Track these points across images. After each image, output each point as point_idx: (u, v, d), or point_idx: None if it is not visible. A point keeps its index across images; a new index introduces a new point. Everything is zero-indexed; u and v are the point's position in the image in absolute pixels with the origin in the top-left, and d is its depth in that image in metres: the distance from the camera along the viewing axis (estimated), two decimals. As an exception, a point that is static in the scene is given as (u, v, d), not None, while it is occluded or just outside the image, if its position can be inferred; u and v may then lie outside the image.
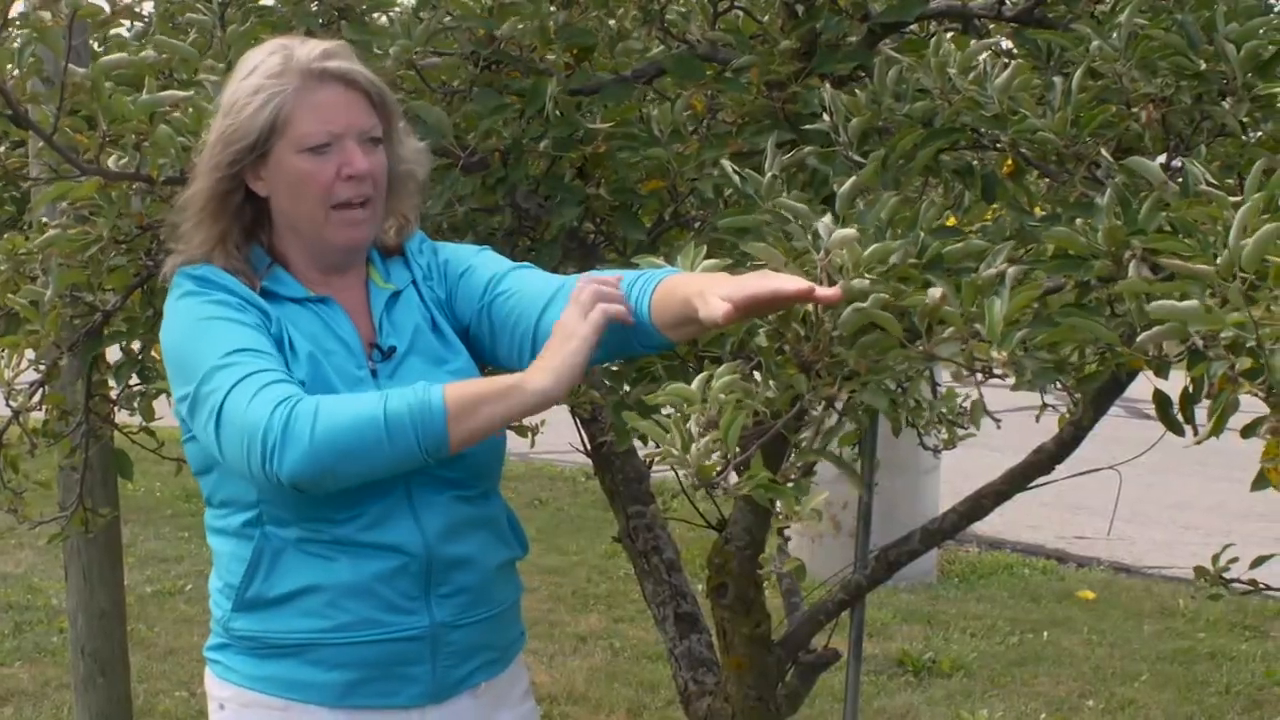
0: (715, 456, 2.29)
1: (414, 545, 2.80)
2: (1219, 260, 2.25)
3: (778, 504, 2.37)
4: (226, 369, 2.64)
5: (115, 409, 4.18)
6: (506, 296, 2.86)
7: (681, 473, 2.33)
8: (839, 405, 2.60)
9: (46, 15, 3.14)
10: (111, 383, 4.07)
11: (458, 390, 2.60)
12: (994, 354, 2.36)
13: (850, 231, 2.42)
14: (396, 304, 2.91)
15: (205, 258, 2.81)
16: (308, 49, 2.76)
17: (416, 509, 2.81)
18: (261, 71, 2.75)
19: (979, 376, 2.45)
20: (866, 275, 2.41)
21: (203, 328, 2.71)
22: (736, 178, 2.94)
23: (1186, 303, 2.22)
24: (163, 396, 4.05)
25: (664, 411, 2.41)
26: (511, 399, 2.60)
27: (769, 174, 2.87)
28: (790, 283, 2.38)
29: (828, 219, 2.52)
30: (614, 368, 3.55)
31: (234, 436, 2.61)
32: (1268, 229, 2.18)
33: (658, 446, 2.33)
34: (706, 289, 2.47)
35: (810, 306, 2.45)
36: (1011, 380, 2.46)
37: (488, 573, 2.91)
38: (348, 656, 2.80)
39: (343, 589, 2.78)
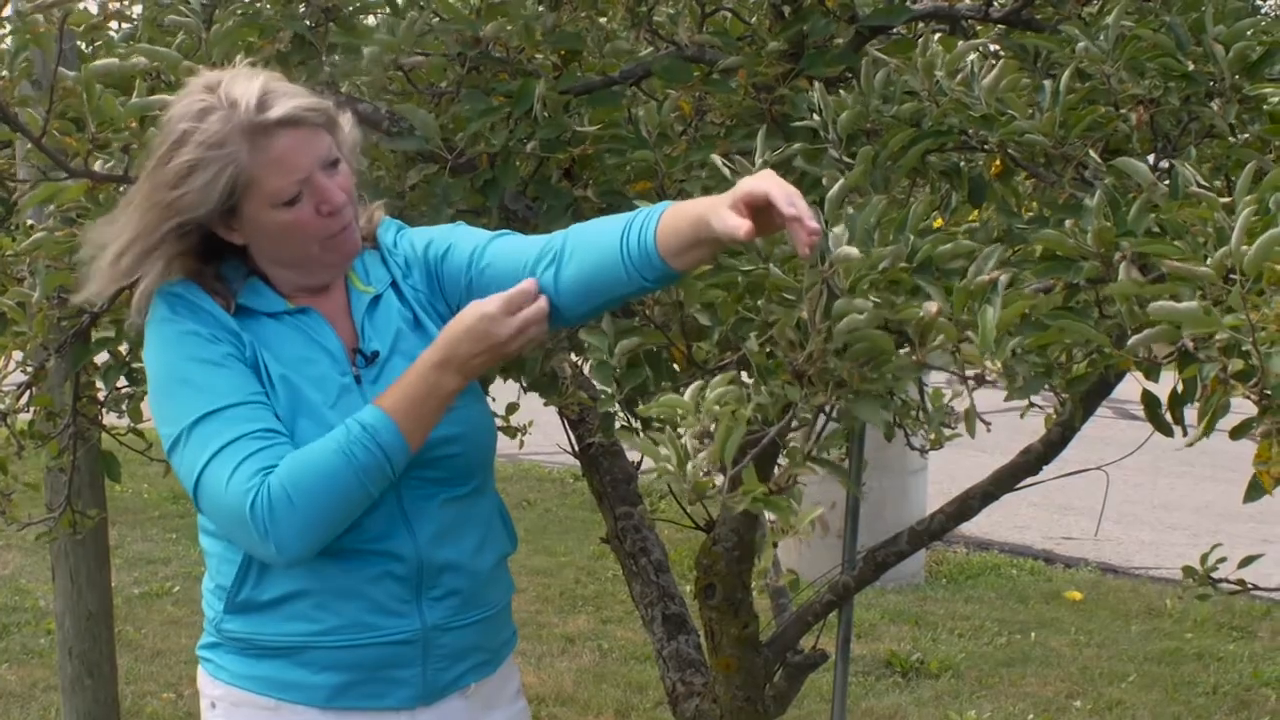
0: (706, 468, 2.28)
1: (406, 550, 2.80)
2: (1209, 262, 2.26)
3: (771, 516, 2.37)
4: (202, 434, 2.67)
5: (103, 411, 4.18)
6: (488, 269, 2.85)
7: (676, 487, 2.33)
8: (831, 412, 2.60)
9: (40, 19, 3.14)
10: (99, 384, 4.07)
11: (403, 413, 2.67)
12: (987, 362, 2.36)
13: (853, 250, 2.41)
14: (377, 307, 2.90)
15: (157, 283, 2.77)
16: (241, 98, 2.67)
17: (408, 514, 2.81)
18: (202, 138, 2.66)
19: (971, 384, 2.45)
20: (871, 297, 2.40)
21: (180, 371, 2.71)
22: (726, 172, 2.94)
23: (1185, 304, 2.22)
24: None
25: (656, 422, 2.40)
26: (439, 387, 2.68)
27: (760, 161, 2.87)
28: (777, 192, 2.41)
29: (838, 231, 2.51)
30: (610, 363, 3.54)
31: (219, 516, 2.72)
32: (1271, 234, 2.18)
33: (653, 463, 2.33)
34: (716, 204, 2.49)
35: (804, 314, 2.44)
36: (1003, 385, 2.46)
37: (480, 575, 2.92)
38: (338, 659, 2.81)
39: (332, 592, 2.78)
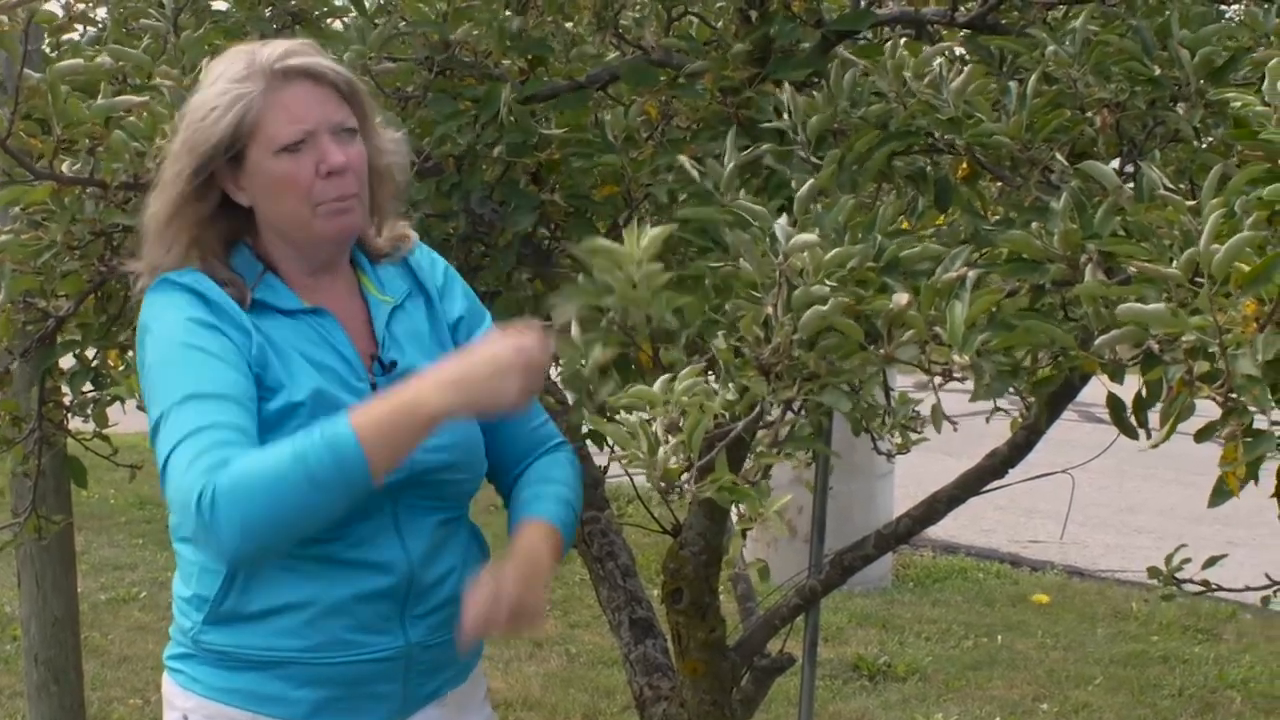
0: (677, 459, 2.29)
1: (398, 566, 2.79)
2: (1176, 264, 2.27)
3: (739, 507, 2.37)
4: (179, 417, 2.60)
5: (68, 416, 4.16)
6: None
7: (645, 476, 2.33)
8: (797, 407, 2.61)
9: (4, 20, 3.13)
10: (65, 389, 4.06)
11: (370, 428, 2.55)
12: (955, 357, 2.37)
13: (811, 236, 2.43)
14: (398, 317, 2.89)
15: (176, 268, 2.75)
16: (270, 50, 2.72)
17: (402, 530, 2.80)
18: (225, 77, 2.70)
19: (938, 380, 2.46)
20: (827, 281, 2.42)
21: (174, 355, 2.66)
22: (695, 173, 2.94)
23: (1153, 306, 2.23)
24: (117, 403, 4.05)
25: (624, 414, 2.40)
26: (417, 423, 2.58)
27: (729, 165, 2.87)
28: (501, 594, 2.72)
29: (784, 221, 2.52)
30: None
31: (174, 503, 2.61)
32: (1239, 237, 2.19)
33: (623, 450, 2.33)
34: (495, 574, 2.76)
35: (770, 309, 2.46)
36: (969, 383, 2.46)
37: (461, 593, 2.91)
38: (320, 675, 2.78)
39: (322, 608, 2.75)
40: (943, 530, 9.64)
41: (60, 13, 4.00)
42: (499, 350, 2.58)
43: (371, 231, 2.90)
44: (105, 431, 4.20)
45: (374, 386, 2.79)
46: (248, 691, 2.81)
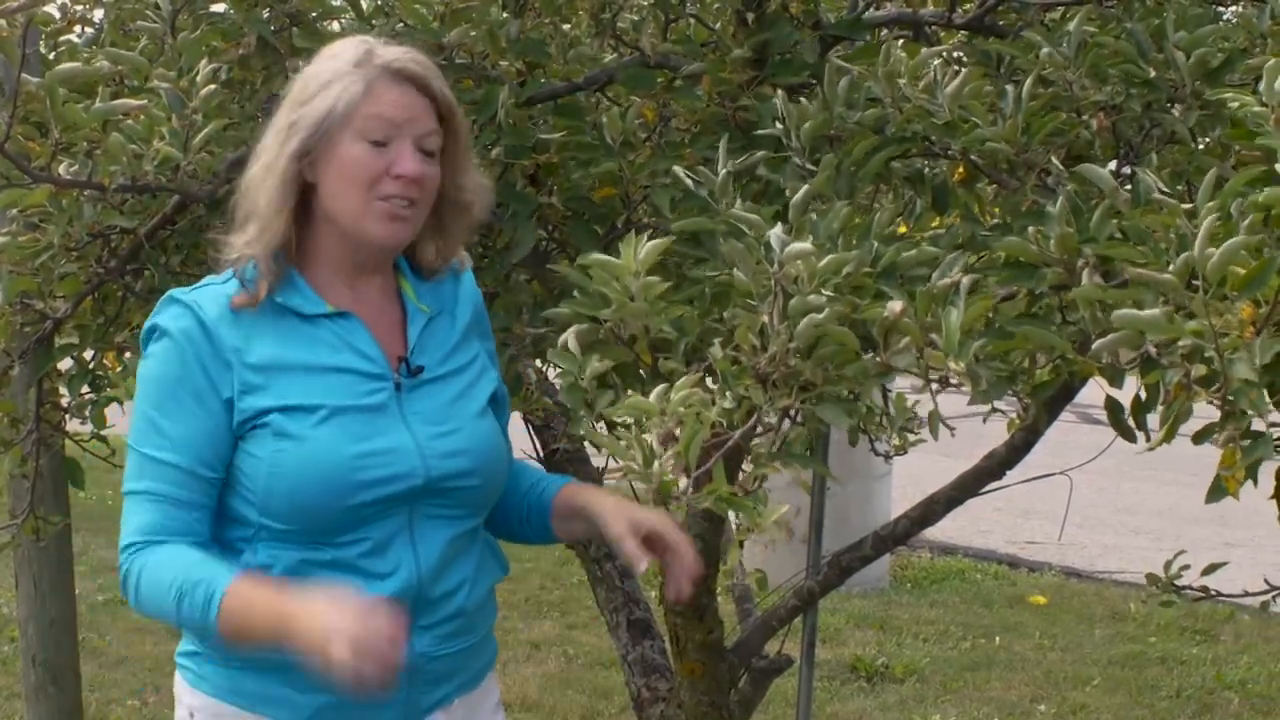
0: (673, 469, 2.29)
1: (409, 576, 2.78)
2: (1172, 268, 2.27)
3: (737, 515, 2.37)
4: (140, 465, 2.78)
5: (66, 417, 4.16)
6: None
7: (641, 488, 2.33)
8: (795, 416, 2.61)
9: (3, 24, 3.13)
10: (63, 391, 4.06)
11: (233, 617, 2.65)
12: (951, 364, 2.37)
13: (805, 245, 2.43)
14: (432, 326, 2.90)
15: (269, 251, 2.77)
16: (390, 49, 2.77)
17: (415, 539, 2.80)
18: (340, 59, 2.75)
19: (935, 387, 2.46)
20: (823, 291, 2.42)
21: (154, 399, 2.78)
22: (689, 182, 2.94)
23: (1148, 311, 2.23)
24: (115, 405, 4.05)
25: (620, 422, 2.41)
26: (274, 640, 2.64)
27: (723, 172, 2.88)
28: (675, 536, 2.73)
29: (779, 229, 2.52)
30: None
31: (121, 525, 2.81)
32: (1234, 241, 2.19)
33: (619, 462, 2.33)
34: (612, 516, 2.77)
35: (765, 317, 2.47)
36: (967, 388, 2.46)
37: (471, 606, 2.91)
38: (326, 680, 2.77)
39: None
40: (940, 531, 9.64)
41: (57, 15, 4.00)
42: (328, 630, 2.53)
43: (430, 249, 2.92)
44: (103, 433, 4.19)
45: (398, 387, 2.81)
46: (253, 693, 2.82)
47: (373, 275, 2.87)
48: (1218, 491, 2.52)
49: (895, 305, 2.40)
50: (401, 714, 2.87)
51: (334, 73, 2.74)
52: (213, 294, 2.78)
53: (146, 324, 2.80)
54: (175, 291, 2.80)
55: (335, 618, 2.52)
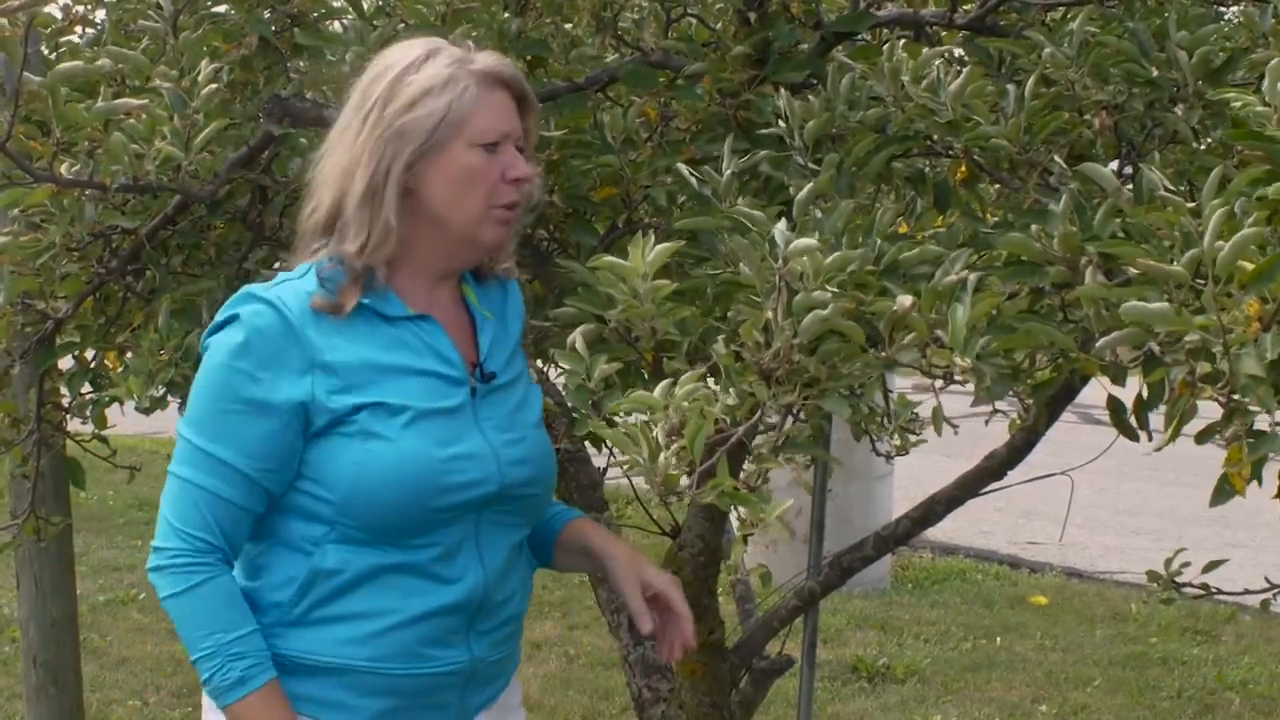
0: (677, 464, 2.29)
1: (476, 581, 2.80)
2: (1178, 264, 2.27)
3: (740, 511, 2.37)
4: (197, 457, 2.74)
5: (67, 417, 4.16)
6: None
7: (646, 481, 2.33)
8: (798, 412, 2.61)
9: (5, 23, 3.13)
10: (63, 390, 4.06)
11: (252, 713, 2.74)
12: (956, 360, 2.37)
13: (810, 241, 2.43)
14: (495, 331, 2.91)
15: (381, 259, 2.76)
16: (481, 55, 2.79)
17: (481, 545, 2.81)
18: (436, 64, 2.74)
19: (939, 383, 2.46)
20: (827, 286, 2.42)
21: (221, 395, 2.73)
22: (693, 180, 2.95)
23: (1156, 305, 2.23)
24: (115, 405, 4.05)
25: (623, 418, 2.41)
26: None
27: (727, 172, 2.88)
28: (680, 604, 2.93)
29: (783, 225, 2.52)
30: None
31: (162, 505, 2.79)
32: (1245, 234, 2.19)
33: (624, 455, 2.33)
34: (624, 567, 2.94)
35: (770, 314, 2.47)
36: (969, 386, 2.46)
37: (522, 611, 2.96)
38: (386, 685, 2.78)
39: (399, 619, 2.76)
40: (941, 532, 9.65)
41: (59, 15, 3.99)
42: None
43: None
44: (104, 433, 4.19)
45: (474, 392, 2.82)
46: (312, 698, 2.79)
47: (448, 279, 2.88)
48: (1223, 494, 2.51)
49: (904, 300, 2.41)
50: (455, 715, 2.89)
51: (436, 78, 2.73)
52: (294, 291, 2.74)
53: (221, 315, 2.77)
54: (253, 288, 2.77)
55: None
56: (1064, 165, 2.92)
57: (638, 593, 2.88)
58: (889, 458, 3.95)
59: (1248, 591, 3.68)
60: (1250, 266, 2.21)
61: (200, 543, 2.71)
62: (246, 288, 2.77)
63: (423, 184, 2.75)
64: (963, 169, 3.20)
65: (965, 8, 3.48)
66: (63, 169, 3.29)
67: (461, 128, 2.72)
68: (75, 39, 4.09)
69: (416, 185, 2.75)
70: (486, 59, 2.78)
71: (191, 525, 2.71)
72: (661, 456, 2.29)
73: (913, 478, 9.76)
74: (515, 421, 2.87)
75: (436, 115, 2.71)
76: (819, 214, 2.69)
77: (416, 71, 2.75)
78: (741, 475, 2.47)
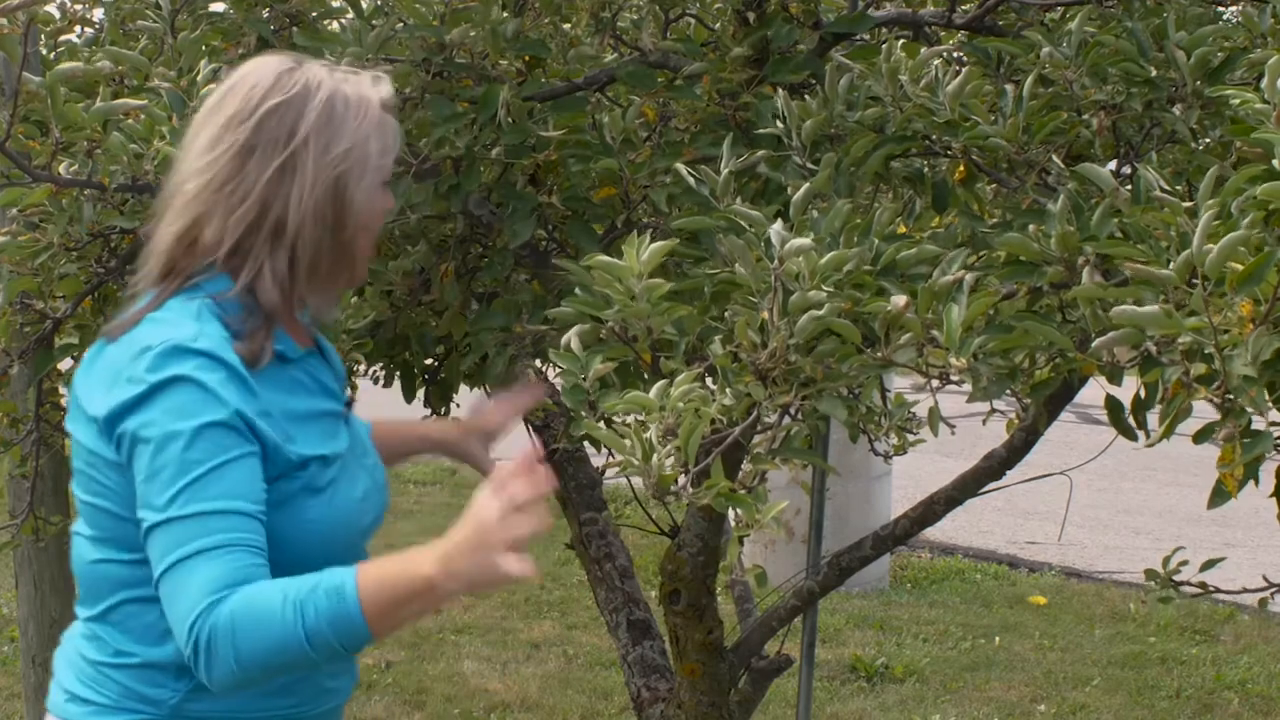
0: (672, 464, 2.29)
1: None
2: (1172, 266, 2.27)
3: (737, 511, 2.37)
4: (187, 533, 2.36)
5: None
6: None
7: (640, 482, 2.32)
8: (794, 412, 2.61)
9: (4, 23, 3.13)
10: (63, 391, 4.06)
11: (373, 594, 2.30)
12: (952, 360, 2.37)
13: (805, 241, 2.43)
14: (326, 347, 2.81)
15: (298, 298, 2.57)
16: (378, 81, 2.60)
17: None
18: (360, 85, 2.55)
19: (935, 383, 2.46)
20: (823, 286, 2.42)
21: (199, 452, 2.38)
22: (691, 179, 2.95)
23: (1147, 308, 2.23)
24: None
25: (620, 419, 2.41)
26: (426, 601, 2.34)
27: (724, 172, 2.88)
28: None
29: (779, 225, 2.52)
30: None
31: (169, 609, 2.38)
32: (1232, 236, 2.19)
33: (617, 456, 2.33)
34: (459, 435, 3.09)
35: (765, 313, 2.46)
36: (967, 385, 2.47)
37: None
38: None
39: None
40: (940, 531, 9.65)
41: (57, 15, 4.00)
42: (483, 516, 2.30)
43: None
44: (103, 433, 4.19)
45: (346, 420, 2.72)
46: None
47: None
48: (1221, 496, 2.51)
49: (900, 299, 2.41)
50: None
51: (366, 101, 2.55)
52: (212, 339, 2.45)
53: (156, 378, 2.41)
54: (181, 341, 2.43)
55: (473, 515, 2.29)
56: (1062, 165, 2.93)
57: (488, 455, 2.97)
58: (887, 457, 3.96)
59: (1245, 590, 3.68)
60: (1240, 268, 2.21)
61: (213, 603, 2.33)
62: (172, 342, 2.43)
63: (347, 221, 2.57)
64: (961, 169, 3.21)
65: (964, 8, 3.48)
66: (61, 169, 3.29)
67: (385, 165, 2.59)
68: (74, 39, 4.10)
69: (341, 223, 2.56)
70: (384, 85, 2.60)
71: (203, 594, 2.34)
72: (655, 457, 2.29)
73: (911, 477, 9.76)
74: (369, 444, 2.78)
75: (374, 144, 2.55)
76: (816, 214, 2.69)
77: (341, 87, 2.55)
78: (739, 476, 2.47)
